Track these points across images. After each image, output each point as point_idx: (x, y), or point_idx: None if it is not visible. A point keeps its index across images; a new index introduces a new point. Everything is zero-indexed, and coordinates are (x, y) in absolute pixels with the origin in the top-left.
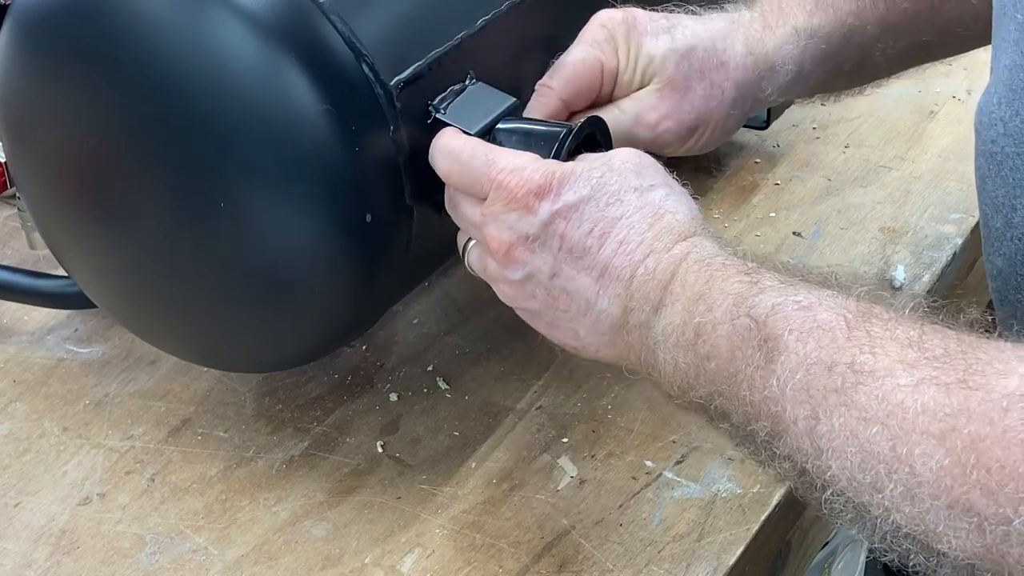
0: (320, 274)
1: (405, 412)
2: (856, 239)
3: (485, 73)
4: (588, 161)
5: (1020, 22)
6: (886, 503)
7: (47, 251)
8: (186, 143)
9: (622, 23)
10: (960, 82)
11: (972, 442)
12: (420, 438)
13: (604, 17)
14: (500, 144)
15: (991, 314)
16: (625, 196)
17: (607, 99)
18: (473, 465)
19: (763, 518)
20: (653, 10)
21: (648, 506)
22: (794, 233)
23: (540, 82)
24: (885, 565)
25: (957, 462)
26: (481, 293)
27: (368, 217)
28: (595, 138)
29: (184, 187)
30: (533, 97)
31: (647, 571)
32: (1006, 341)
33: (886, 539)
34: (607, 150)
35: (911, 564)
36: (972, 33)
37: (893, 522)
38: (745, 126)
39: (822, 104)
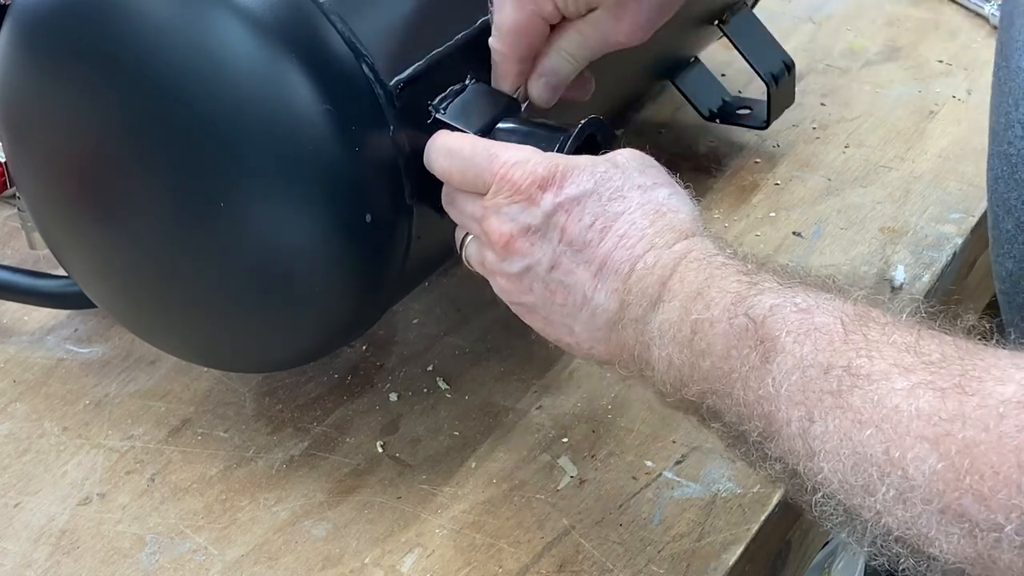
0: (320, 274)
1: (405, 412)
2: (856, 239)
3: (485, 73)
4: (592, 157)
5: None
6: (878, 506)
7: (47, 251)
8: (186, 143)
9: None
10: (960, 82)
11: (966, 447)
12: (420, 438)
13: None
14: None
15: (989, 319)
16: (628, 193)
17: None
18: (473, 465)
19: (763, 518)
20: None
21: (648, 506)
22: (794, 233)
23: (491, 43)
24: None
25: (950, 467)
26: (481, 293)
27: (368, 217)
28: (595, 139)
29: (184, 187)
30: (493, 66)
31: (647, 571)
32: (1004, 348)
33: (877, 543)
34: (607, 150)
35: (901, 568)
36: None
37: (884, 526)
38: (745, 126)
39: (822, 104)
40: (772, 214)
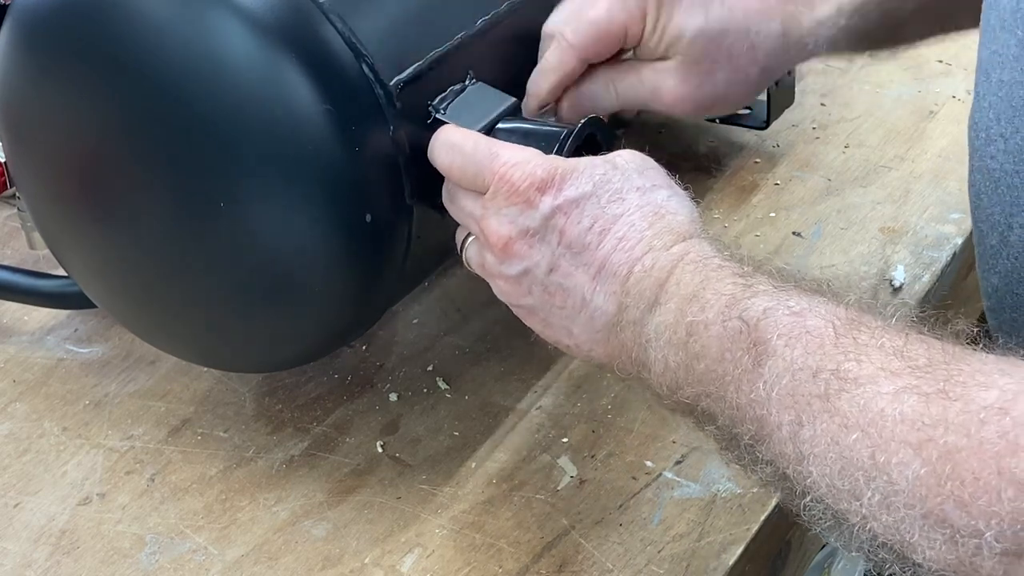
0: (320, 274)
1: (405, 412)
2: (856, 239)
3: (485, 73)
4: (592, 159)
5: (1021, 38)
6: (864, 511)
7: (47, 251)
8: (186, 143)
9: None
10: (960, 82)
11: (948, 453)
12: (420, 438)
13: None
14: None
15: (980, 325)
16: (627, 195)
17: (624, 53)
18: (473, 465)
19: (763, 518)
20: None
21: (648, 506)
22: (794, 233)
23: (559, 30)
24: None
25: (932, 472)
26: (481, 293)
27: (368, 217)
28: (595, 138)
29: (184, 187)
30: (551, 46)
31: (647, 571)
32: (990, 353)
33: (863, 548)
34: (607, 149)
35: (887, 574)
36: None
37: (870, 531)
38: (745, 126)
39: (822, 104)
40: (772, 214)
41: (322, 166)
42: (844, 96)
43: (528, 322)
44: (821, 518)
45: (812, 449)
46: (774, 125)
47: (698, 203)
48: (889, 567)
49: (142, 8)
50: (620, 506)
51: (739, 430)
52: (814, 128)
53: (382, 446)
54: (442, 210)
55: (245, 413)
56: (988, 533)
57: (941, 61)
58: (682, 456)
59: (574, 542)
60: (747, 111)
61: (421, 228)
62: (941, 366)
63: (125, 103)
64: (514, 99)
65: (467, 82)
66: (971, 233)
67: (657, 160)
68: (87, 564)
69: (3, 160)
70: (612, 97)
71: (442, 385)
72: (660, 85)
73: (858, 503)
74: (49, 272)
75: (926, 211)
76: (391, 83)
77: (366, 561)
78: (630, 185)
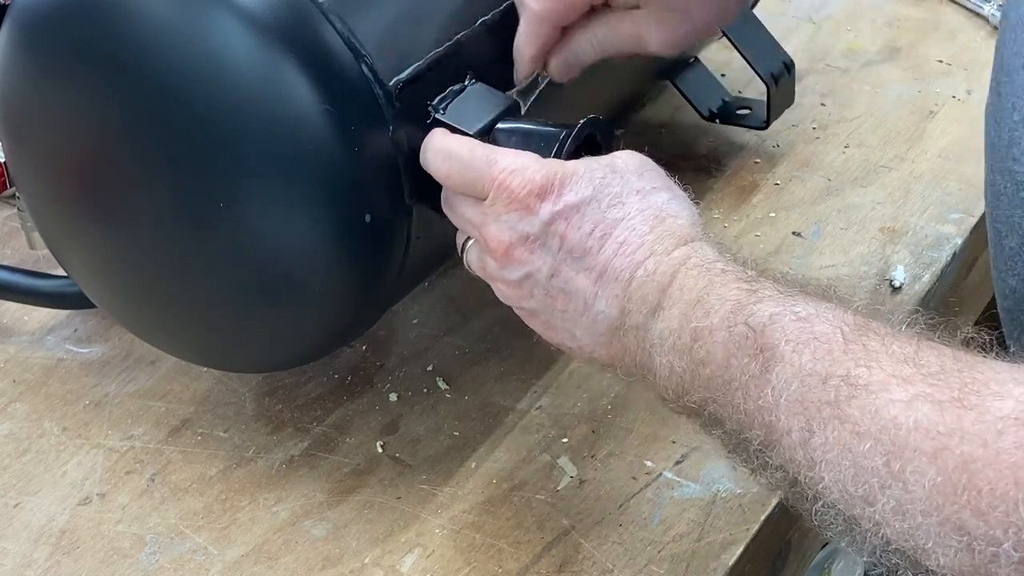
0: (319, 274)
1: (405, 412)
2: (856, 239)
3: (485, 73)
4: (590, 162)
5: None
6: (877, 517)
7: (47, 251)
8: (185, 143)
9: None
10: (960, 82)
11: (964, 463)
12: (420, 438)
13: None
14: (499, 144)
15: (988, 331)
16: (627, 198)
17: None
18: (473, 465)
19: (763, 518)
20: None
21: (648, 506)
22: (794, 233)
23: (527, 5)
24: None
25: (948, 481)
26: (481, 293)
27: (367, 217)
28: (595, 138)
29: (183, 187)
30: (521, 17)
31: (647, 571)
32: (1002, 360)
33: (876, 553)
34: (607, 150)
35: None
36: None
37: (883, 536)
38: (745, 126)
39: (822, 104)
40: (772, 214)
41: (322, 166)
42: (844, 96)
43: (530, 324)
44: (832, 523)
45: (824, 455)
46: (774, 125)
47: (698, 204)
48: (901, 573)
49: (142, 8)
50: (620, 506)
51: (747, 435)
52: (814, 128)
53: (382, 446)
54: (442, 211)
55: (245, 413)
56: (1007, 543)
57: (941, 61)
58: (682, 456)
59: (574, 542)
60: (747, 111)
61: (421, 228)
62: (954, 374)
63: (125, 103)
64: (514, 99)
65: (466, 82)
66: (971, 233)
67: (657, 160)
68: (87, 564)
69: (3, 160)
70: (594, 50)
71: (442, 385)
72: (639, 32)
73: (871, 509)
74: (49, 272)
75: (926, 211)
76: (391, 83)
77: (366, 561)
78: (630, 188)
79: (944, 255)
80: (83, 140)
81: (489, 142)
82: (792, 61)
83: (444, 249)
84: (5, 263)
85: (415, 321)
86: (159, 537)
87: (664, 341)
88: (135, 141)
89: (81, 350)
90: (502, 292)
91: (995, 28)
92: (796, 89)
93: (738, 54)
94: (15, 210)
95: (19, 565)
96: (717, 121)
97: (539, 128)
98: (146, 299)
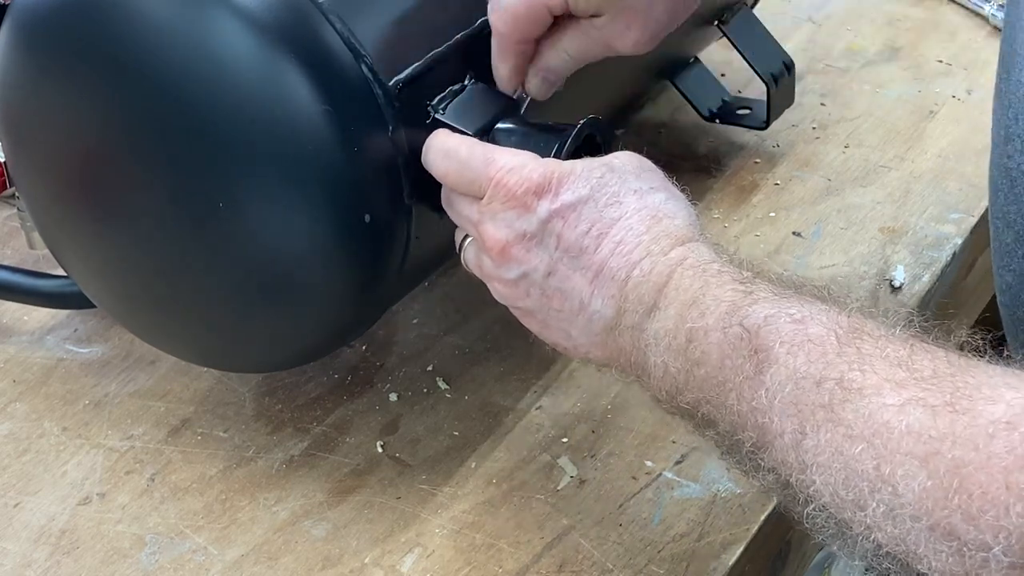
0: (319, 274)
1: (405, 412)
2: (856, 239)
3: (484, 73)
4: (588, 161)
5: None
6: (868, 521)
7: (47, 251)
8: (185, 143)
9: None
10: (960, 82)
11: (955, 467)
12: (420, 438)
13: None
14: (499, 144)
15: (983, 334)
16: (624, 198)
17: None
18: (473, 465)
19: (763, 518)
20: None
21: (648, 506)
22: (794, 233)
23: (492, 24)
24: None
25: (939, 485)
26: (481, 293)
27: (367, 217)
28: (595, 139)
29: (183, 187)
30: (492, 42)
31: (647, 571)
32: (996, 364)
33: (867, 557)
34: (606, 151)
35: None
36: None
37: (874, 540)
38: (745, 126)
39: (822, 104)
40: (772, 214)
41: (321, 166)
42: (844, 96)
43: (527, 323)
44: (824, 526)
45: (816, 458)
46: (774, 125)
47: (696, 204)
48: None
49: (142, 8)
50: (620, 506)
51: (740, 437)
52: (814, 128)
53: (382, 446)
54: (441, 210)
55: (245, 413)
56: (996, 547)
57: (941, 61)
58: (682, 456)
59: (574, 542)
60: (747, 111)
61: (420, 228)
62: (947, 378)
63: (125, 103)
64: (513, 99)
65: (466, 82)
66: (971, 233)
67: (656, 160)
68: (87, 564)
69: (3, 160)
70: (568, 61)
71: (442, 385)
72: (608, 38)
73: (863, 513)
74: (49, 272)
75: (926, 211)
76: (390, 83)
77: (366, 561)
78: (627, 188)
79: (944, 255)
80: (83, 140)
81: (489, 142)
82: (792, 61)
83: (444, 249)
84: (5, 263)
85: (415, 321)
86: (159, 537)
87: (659, 341)
88: (135, 141)
89: (81, 350)
90: (498, 291)
91: (995, 28)
92: (796, 89)
93: (738, 54)
94: (15, 210)
95: (19, 565)
96: (717, 121)
97: (538, 129)
98: (146, 299)
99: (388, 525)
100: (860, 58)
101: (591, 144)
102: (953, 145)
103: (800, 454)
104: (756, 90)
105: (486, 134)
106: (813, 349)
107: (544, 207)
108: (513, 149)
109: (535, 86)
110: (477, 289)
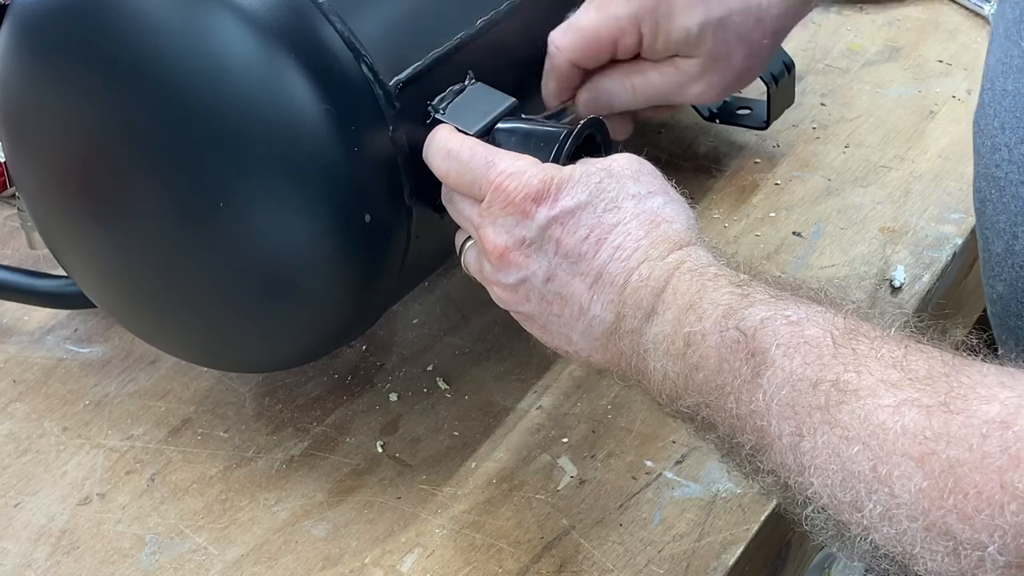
0: (319, 274)
1: (405, 412)
2: (856, 239)
3: (485, 73)
4: (587, 166)
5: None
6: (865, 522)
7: (47, 251)
8: (185, 143)
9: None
10: (960, 82)
11: (950, 467)
12: (420, 438)
13: None
14: (499, 144)
15: (977, 332)
16: (623, 203)
17: (630, 59)
18: (473, 465)
19: (763, 518)
20: None
21: (648, 506)
22: (794, 233)
23: (551, 37)
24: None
25: (935, 486)
26: (481, 293)
27: (367, 217)
28: (595, 139)
29: (183, 187)
30: (548, 51)
31: (647, 571)
32: (991, 363)
33: (865, 557)
34: (607, 151)
35: None
36: None
37: (872, 541)
38: (745, 126)
39: (822, 104)
40: (772, 214)
41: (321, 166)
42: (844, 96)
43: (527, 327)
44: (823, 528)
45: (813, 460)
46: (774, 125)
47: (695, 206)
48: None
49: (142, 8)
50: (620, 506)
51: (739, 440)
52: (814, 128)
53: (382, 446)
54: (442, 210)
55: (245, 413)
56: (991, 546)
57: (941, 61)
58: (682, 456)
59: (574, 542)
60: (747, 111)
61: (420, 228)
62: (941, 378)
63: (125, 103)
64: (514, 99)
65: (467, 82)
66: (971, 233)
67: (657, 160)
68: (87, 564)
69: (3, 160)
70: (629, 93)
71: (442, 385)
72: (682, 81)
73: (859, 514)
74: (49, 272)
75: (926, 211)
76: (390, 83)
77: (366, 561)
78: (625, 192)
79: (944, 255)
80: (83, 140)
81: (489, 142)
82: (792, 61)
83: (444, 249)
84: (5, 263)
85: (415, 321)
86: (159, 537)
87: (658, 346)
88: (135, 141)
89: (81, 350)
90: (498, 295)
91: None
92: (796, 89)
93: None
94: (15, 210)
95: (19, 565)
96: (717, 121)
97: (539, 129)
98: (146, 299)
99: (388, 525)
100: (860, 58)
101: (591, 144)
102: (953, 145)
103: (798, 456)
104: (756, 90)
105: (487, 134)
106: (809, 351)
107: (543, 213)
108: (514, 153)
109: (584, 105)
110: (477, 289)
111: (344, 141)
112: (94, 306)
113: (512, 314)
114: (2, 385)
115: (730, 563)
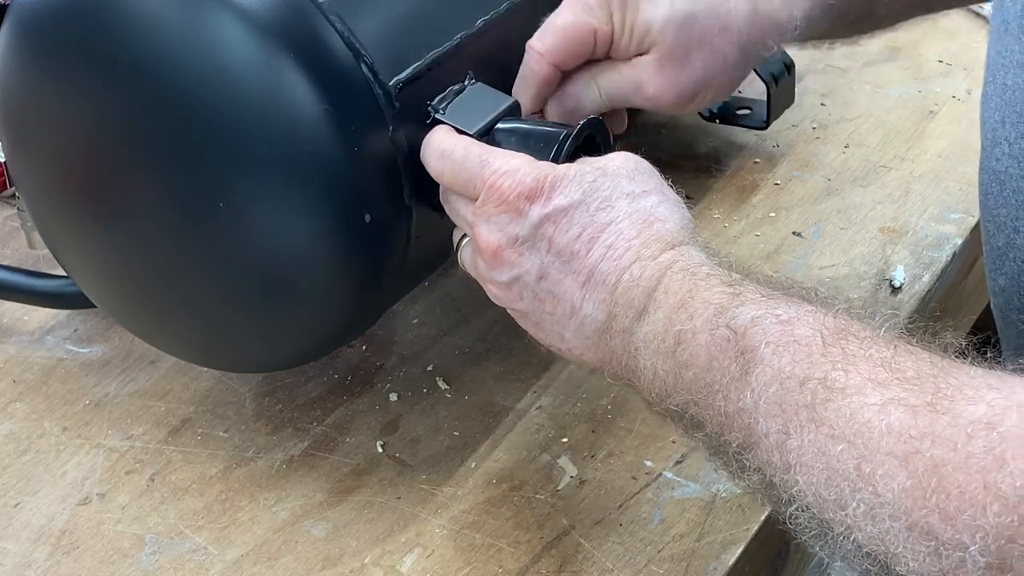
0: (319, 274)
1: (405, 412)
2: (856, 239)
3: (484, 73)
4: (583, 165)
5: None
6: (848, 521)
7: (47, 251)
8: (185, 143)
9: None
10: (960, 82)
11: (934, 466)
12: (420, 438)
13: None
14: (499, 144)
15: (978, 330)
16: (616, 202)
17: (602, 57)
18: (473, 465)
19: (763, 518)
20: None
21: (648, 506)
22: (794, 233)
23: (529, 43)
24: None
25: (918, 485)
26: (481, 293)
27: (367, 217)
28: (594, 139)
29: (183, 187)
30: (524, 60)
31: (647, 571)
32: (979, 366)
33: (848, 557)
34: (606, 151)
35: None
36: None
37: (855, 541)
38: (745, 126)
39: (822, 104)
40: (772, 214)
41: (321, 166)
42: (844, 96)
43: (522, 324)
44: (807, 527)
45: (799, 458)
46: (774, 125)
47: (692, 206)
48: None
49: (142, 8)
50: (620, 506)
51: (727, 438)
52: (814, 128)
53: (382, 446)
54: (441, 210)
55: (245, 413)
56: (973, 547)
57: (941, 61)
58: (682, 456)
59: (574, 542)
60: (747, 111)
61: (420, 228)
62: (929, 379)
63: (124, 103)
64: (513, 99)
65: (466, 82)
66: (971, 233)
67: (656, 160)
68: (87, 564)
69: (3, 160)
70: (596, 95)
71: (442, 385)
72: (639, 78)
73: (843, 513)
74: (49, 272)
75: (926, 211)
76: (390, 83)
77: (366, 561)
78: (619, 192)
79: (944, 255)
80: (83, 140)
81: (489, 142)
82: (792, 61)
83: (444, 249)
84: (5, 263)
85: (415, 321)
86: (159, 537)
87: (649, 344)
88: (135, 141)
89: (81, 350)
90: (492, 293)
91: None
92: (796, 89)
93: None
94: (15, 210)
95: (19, 565)
96: (717, 121)
97: (538, 128)
98: (146, 299)
99: (388, 525)
100: (860, 58)
101: (591, 144)
102: (953, 145)
103: (784, 454)
104: (756, 90)
105: (486, 134)
106: (799, 350)
107: (536, 211)
108: (508, 151)
109: (553, 110)
110: (477, 289)
111: (344, 141)
112: (94, 306)
113: (508, 312)
114: (2, 385)
115: (730, 563)
